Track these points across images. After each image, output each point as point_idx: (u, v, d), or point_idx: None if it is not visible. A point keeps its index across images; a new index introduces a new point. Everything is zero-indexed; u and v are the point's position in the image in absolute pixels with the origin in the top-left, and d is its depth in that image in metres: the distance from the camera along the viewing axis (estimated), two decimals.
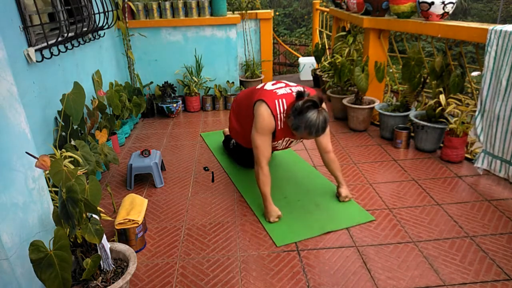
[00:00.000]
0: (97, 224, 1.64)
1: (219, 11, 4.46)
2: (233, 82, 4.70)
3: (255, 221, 2.37)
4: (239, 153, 3.09)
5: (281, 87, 2.42)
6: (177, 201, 2.65)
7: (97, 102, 3.06)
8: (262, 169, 2.34)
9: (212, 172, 3.00)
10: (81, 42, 3.19)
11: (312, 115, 2.11)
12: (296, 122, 2.16)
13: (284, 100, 2.32)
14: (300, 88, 2.37)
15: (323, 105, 2.18)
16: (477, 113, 2.61)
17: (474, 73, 6.46)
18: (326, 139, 2.50)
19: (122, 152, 3.51)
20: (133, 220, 2.11)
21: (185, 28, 4.44)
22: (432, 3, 2.89)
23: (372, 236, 2.18)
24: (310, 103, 2.12)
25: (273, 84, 2.48)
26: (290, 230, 2.26)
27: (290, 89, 2.40)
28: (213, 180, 2.90)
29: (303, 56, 7.22)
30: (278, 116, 2.31)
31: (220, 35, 4.52)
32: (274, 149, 2.60)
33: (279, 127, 2.35)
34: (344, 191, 2.54)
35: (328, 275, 1.91)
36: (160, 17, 4.43)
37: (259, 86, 2.57)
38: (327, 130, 2.30)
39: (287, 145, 2.61)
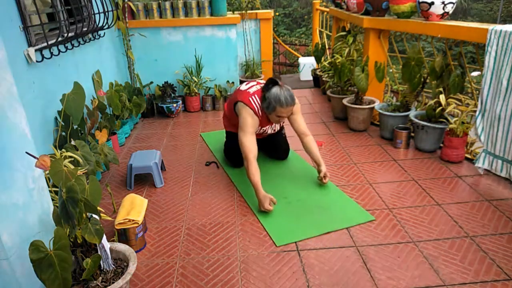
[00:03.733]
0: (97, 224, 1.64)
1: (219, 11, 4.46)
2: (233, 82, 4.70)
3: (255, 221, 2.37)
4: (228, 152, 3.14)
5: (253, 86, 2.79)
6: (177, 201, 2.65)
7: (97, 102, 3.06)
8: (251, 163, 2.51)
9: (215, 162, 3.18)
10: (81, 42, 3.19)
11: (276, 89, 2.56)
12: (267, 103, 2.59)
13: (256, 96, 2.69)
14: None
15: (281, 83, 2.62)
16: (477, 113, 2.61)
17: (474, 73, 6.45)
18: (302, 122, 2.82)
19: (122, 152, 3.51)
20: (133, 220, 2.11)
21: (185, 28, 4.44)
22: (432, 3, 2.89)
23: (372, 236, 2.18)
24: (270, 82, 2.62)
25: (246, 84, 2.85)
26: (290, 230, 2.26)
27: (260, 86, 2.75)
28: (218, 167, 3.12)
29: (303, 56, 7.23)
30: (256, 109, 2.66)
31: (220, 35, 4.52)
32: (264, 134, 2.98)
33: (260, 118, 2.70)
34: (324, 168, 2.71)
35: (328, 275, 1.91)
36: (160, 17, 4.43)
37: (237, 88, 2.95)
38: (299, 110, 2.79)
39: (274, 128, 2.97)
